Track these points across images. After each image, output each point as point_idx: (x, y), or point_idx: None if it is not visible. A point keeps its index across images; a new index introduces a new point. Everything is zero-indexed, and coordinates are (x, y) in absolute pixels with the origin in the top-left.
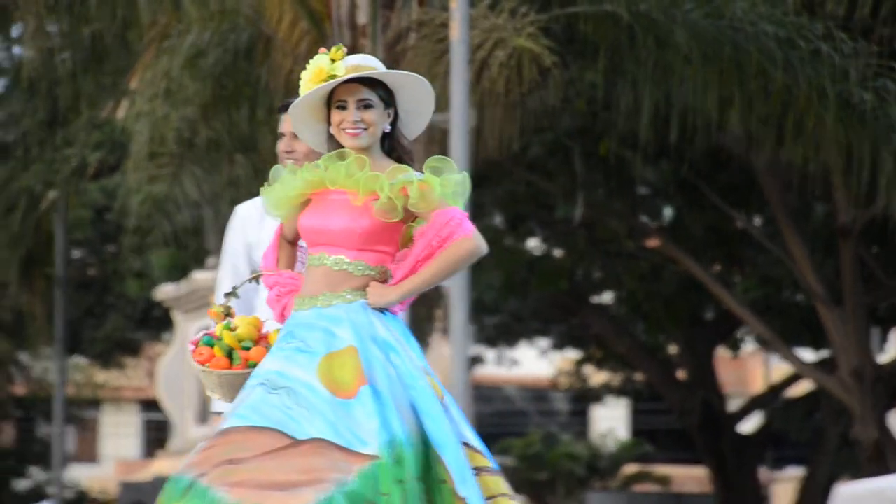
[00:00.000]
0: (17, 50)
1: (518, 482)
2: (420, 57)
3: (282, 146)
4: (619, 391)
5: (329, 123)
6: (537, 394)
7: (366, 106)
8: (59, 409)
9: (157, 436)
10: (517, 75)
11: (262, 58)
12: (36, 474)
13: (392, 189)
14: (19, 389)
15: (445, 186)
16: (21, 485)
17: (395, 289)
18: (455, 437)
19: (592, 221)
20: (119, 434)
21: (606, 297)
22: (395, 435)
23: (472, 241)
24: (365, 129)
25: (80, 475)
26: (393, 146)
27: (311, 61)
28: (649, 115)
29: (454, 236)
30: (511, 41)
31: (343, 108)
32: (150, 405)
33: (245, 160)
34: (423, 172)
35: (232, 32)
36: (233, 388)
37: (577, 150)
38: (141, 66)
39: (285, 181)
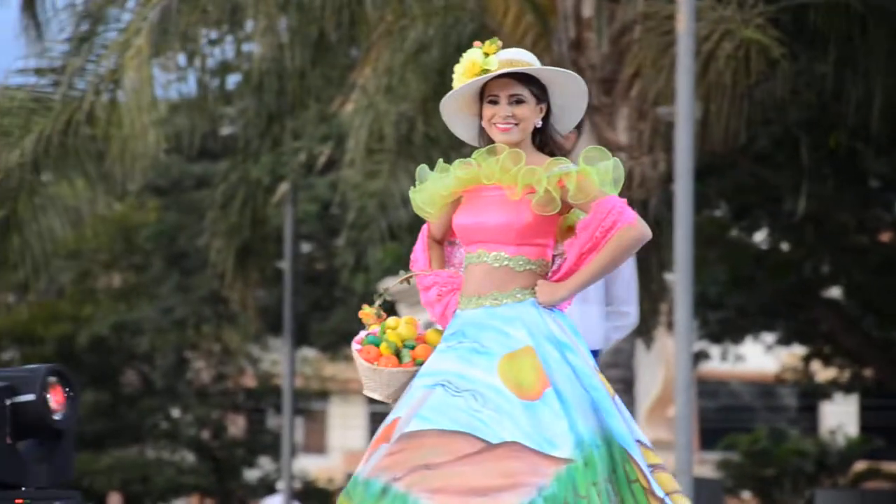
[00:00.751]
0: (247, 47)
1: (744, 478)
2: (645, 49)
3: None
4: (848, 387)
5: (481, 117)
6: (764, 389)
7: (517, 101)
8: (287, 401)
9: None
10: (744, 67)
11: None
12: (265, 464)
13: (550, 181)
14: (249, 381)
15: (602, 175)
16: (251, 475)
17: (563, 286)
18: (630, 436)
19: (821, 214)
20: (346, 426)
21: (835, 292)
22: (581, 436)
23: (636, 228)
24: (516, 124)
25: (308, 466)
26: (545, 141)
27: (464, 54)
28: (881, 106)
29: (618, 225)
30: (738, 33)
31: (495, 102)
32: None
33: (461, 157)
34: (576, 164)
35: (455, 27)
36: (398, 387)
37: (806, 141)
38: (367, 62)
39: (437, 180)
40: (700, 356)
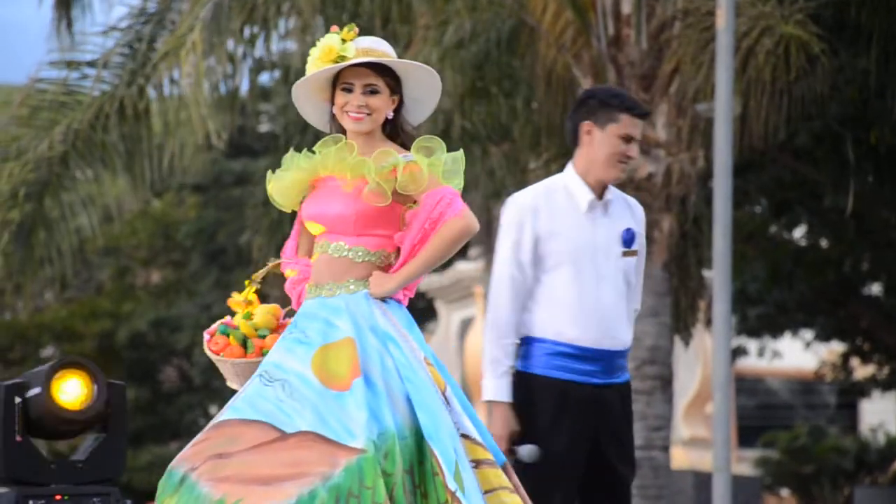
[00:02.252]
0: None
1: (783, 476)
2: (685, 46)
3: (624, 149)
4: (887, 384)
5: (332, 103)
6: (803, 386)
7: (372, 91)
8: None
9: None
10: (784, 63)
11: (524, 48)
12: None
13: (380, 173)
14: None
15: (435, 166)
16: None
17: (393, 277)
18: (452, 429)
19: (861, 211)
20: None
21: (875, 289)
22: (386, 427)
23: (462, 220)
24: (368, 114)
25: None
26: (396, 132)
27: (321, 39)
28: None
29: (445, 216)
30: (778, 28)
31: (349, 90)
32: None
33: (500, 151)
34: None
35: (493, 23)
36: (249, 377)
37: (848, 137)
38: (405, 57)
39: (287, 169)
40: (738, 351)
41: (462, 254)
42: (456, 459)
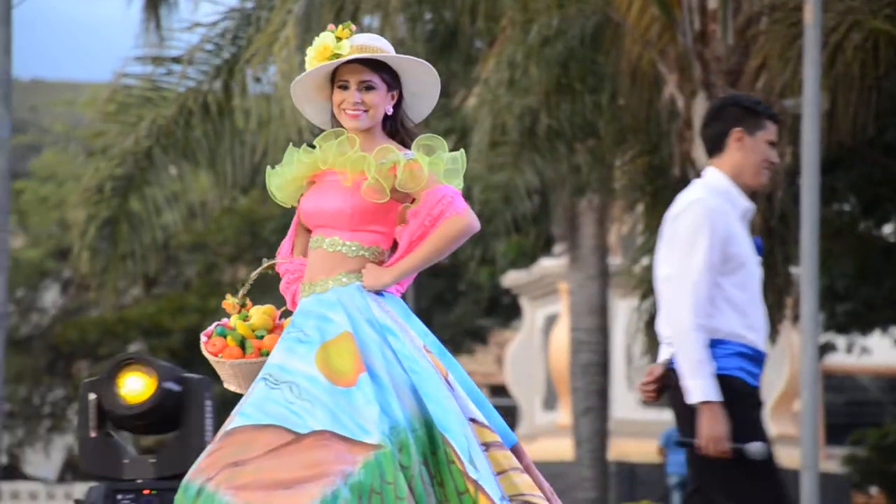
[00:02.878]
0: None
1: (871, 473)
2: (772, 41)
3: (771, 155)
4: None
5: (331, 100)
6: (892, 383)
7: (367, 87)
8: None
9: (505, 421)
10: (873, 58)
11: (609, 44)
12: None
13: (380, 169)
14: None
15: (436, 165)
16: None
17: (389, 270)
18: (460, 416)
19: None
20: None
21: None
22: (396, 421)
23: (462, 219)
24: (365, 111)
25: None
26: (396, 128)
27: (318, 37)
28: None
29: (445, 214)
30: (867, 23)
31: (345, 88)
32: (498, 390)
33: (585, 148)
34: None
35: (578, 19)
36: (248, 378)
37: None
38: (490, 55)
39: (288, 164)
40: (826, 348)
41: (546, 250)
42: (468, 446)
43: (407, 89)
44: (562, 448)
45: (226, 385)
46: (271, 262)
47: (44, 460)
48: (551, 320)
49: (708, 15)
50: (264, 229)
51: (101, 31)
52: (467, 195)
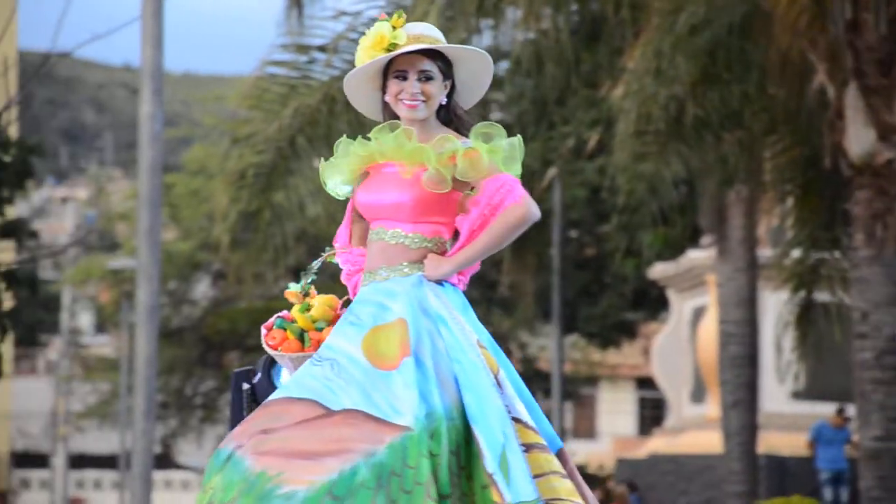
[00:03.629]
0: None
1: None
2: None
3: None
4: None
5: (384, 91)
6: None
7: (426, 78)
8: (556, 386)
9: (652, 413)
10: None
11: (757, 34)
12: None
13: (440, 159)
14: (517, 366)
15: (494, 153)
16: None
17: (449, 260)
18: (502, 412)
19: None
20: (615, 411)
21: None
22: (434, 407)
23: (522, 207)
24: (424, 101)
25: (579, 450)
26: (450, 117)
27: (370, 28)
28: None
29: (505, 203)
30: None
31: (403, 78)
32: (645, 383)
33: (732, 138)
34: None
35: (725, 9)
36: None
37: None
38: (636, 45)
39: (342, 156)
40: None
41: (694, 242)
42: (504, 443)
43: (459, 78)
44: (710, 441)
45: (287, 377)
46: (331, 251)
47: (196, 450)
48: (699, 312)
49: (860, 3)
50: None
51: (251, 24)
52: (612, 186)
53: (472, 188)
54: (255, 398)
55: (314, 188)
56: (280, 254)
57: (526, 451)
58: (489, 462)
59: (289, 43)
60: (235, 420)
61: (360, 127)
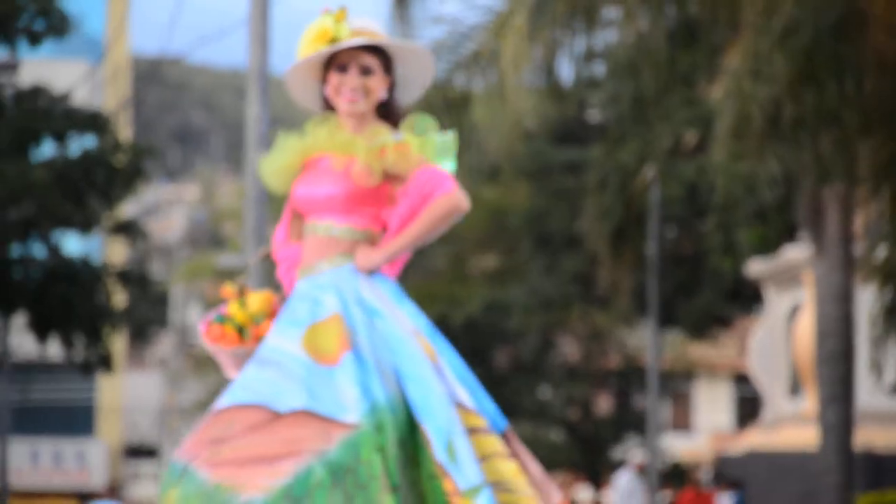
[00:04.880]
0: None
1: None
2: None
3: None
4: None
5: (324, 82)
6: None
7: (366, 71)
8: (653, 382)
9: (749, 409)
10: None
11: (854, 33)
12: (632, 443)
13: (369, 151)
14: (615, 362)
15: (425, 146)
16: (619, 453)
17: (379, 251)
18: (444, 399)
19: None
20: (712, 407)
21: None
22: (376, 401)
23: (452, 197)
24: (364, 95)
25: (675, 445)
26: (388, 112)
27: (315, 20)
28: None
29: (435, 194)
30: None
31: (343, 71)
32: (742, 379)
33: (829, 137)
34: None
35: (823, 8)
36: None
37: None
38: (734, 45)
39: (281, 150)
40: None
41: (790, 239)
42: (449, 430)
43: (399, 74)
44: (806, 436)
45: (226, 373)
46: (266, 248)
47: None
48: (795, 309)
49: None
50: (509, 219)
51: None
52: (709, 185)
53: (403, 181)
54: None
55: None
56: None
57: (470, 434)
58: (438, 452)
59: None
60: None
61: (458, 130)
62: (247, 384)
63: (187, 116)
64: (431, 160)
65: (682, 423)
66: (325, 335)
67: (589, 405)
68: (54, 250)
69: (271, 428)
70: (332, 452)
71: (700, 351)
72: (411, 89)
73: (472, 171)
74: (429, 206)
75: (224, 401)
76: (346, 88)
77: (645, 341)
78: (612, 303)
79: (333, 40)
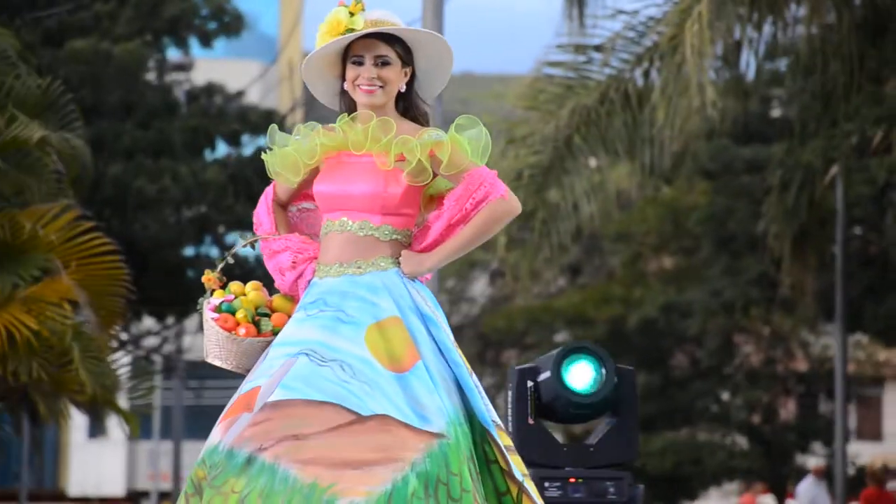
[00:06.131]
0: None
1: None
2: None
3: None
4: None
5: (343, 78)
6: None
7: (383, 63)
8: (840, 386)
9: None
10: None
11: None
12: (818, 450)
13: (422, 151)
14: (800, 365)
15: (474, 145)
16: (803, 460)
17: (430, 257)
18: (488, 415)
19: None
20: None
21: None
22: (450, 413)
23: (507, 201)
24: (381, 86)
25: (864, 452)
26: (408, 106)
27: (330, 12)
28: None
29: (490, 197)
30: None
31: (359, 63)
32: None
33: None
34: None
35: None
36: (246, 356)
37: None
38: None
39: (298, 145)
40: None
41: None
42: (502, 445)
43: (419, 67)
44: None
45: (211, 360)
46: (253, 238)
47: None
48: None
49: None
50: (688, 219)
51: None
52: None
53: (434, 179)
54: (540, 395)
55: (589, 187)
56: (556, 253)
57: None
58: (515, 468)
59: (565, 43)
60: (520, 415)
61: (635, 126)
62: (308, 380)
63: None
64: (477, 161)
65: (870, 429)
66: (392, 339)
67: (772, 410)
68: (228, 250)
69: (355, 430)
70: (423, 463)
71: (889, 355)
72: (433, 83)
73: (651, 169)
74: (483, 210)
75: (280, 393)
76: (363, 80)
77: (831, 345)
78: (795, 306)
79: (348, 32)
